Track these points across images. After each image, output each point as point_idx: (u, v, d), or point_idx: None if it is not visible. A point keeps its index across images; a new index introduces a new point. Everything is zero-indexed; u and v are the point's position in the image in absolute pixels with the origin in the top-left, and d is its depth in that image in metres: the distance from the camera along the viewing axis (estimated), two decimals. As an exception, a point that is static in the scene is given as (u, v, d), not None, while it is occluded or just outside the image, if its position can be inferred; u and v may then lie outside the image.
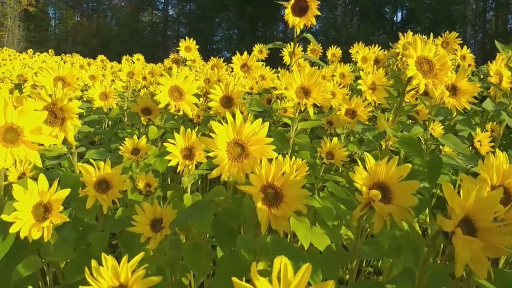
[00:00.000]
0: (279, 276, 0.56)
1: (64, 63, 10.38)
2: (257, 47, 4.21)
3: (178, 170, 1.35)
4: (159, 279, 0.68)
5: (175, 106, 1.64)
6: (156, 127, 1.75)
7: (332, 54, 4.08)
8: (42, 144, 1.05)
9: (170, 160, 1.35)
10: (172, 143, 1.37)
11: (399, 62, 2.77)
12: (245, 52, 2.94)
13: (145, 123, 1.77)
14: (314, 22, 2.15)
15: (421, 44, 1.41)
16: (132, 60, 6.54)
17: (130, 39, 41.21)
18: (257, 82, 2.84)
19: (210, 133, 1.01)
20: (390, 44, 3.33)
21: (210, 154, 1.01)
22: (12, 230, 0.96)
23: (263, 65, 3.06)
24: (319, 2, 2.00)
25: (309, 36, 2.36)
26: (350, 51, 3.75)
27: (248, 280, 0.53)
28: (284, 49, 3.40)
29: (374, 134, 1.68)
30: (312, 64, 3.66)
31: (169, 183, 1.98)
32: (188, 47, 3.94)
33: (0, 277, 1.16)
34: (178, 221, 1.12)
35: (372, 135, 1.67)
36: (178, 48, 3.91)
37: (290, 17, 2.12)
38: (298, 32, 2.30)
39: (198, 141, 1.37)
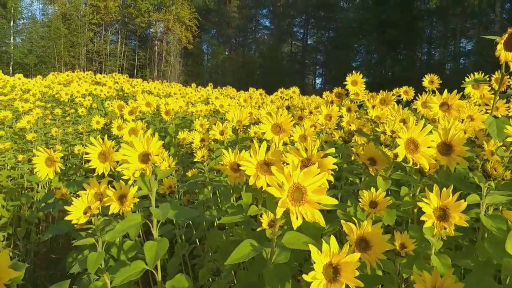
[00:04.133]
0: None
1: (221, 95, 11.45)
2: (427, 77, 3.93)
3: (434, 233, 1.29)
4: None
5: (412, 160, 1.59)
6: (383, 178, 1.73)
7: (521, 84, 3.57)
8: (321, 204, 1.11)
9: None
10: (426, 203, 1.31)
11: None
12: (445, 90, 2.75)
13: (373, 174, 1.76)
14: (532, 57, 1.92)
15: None
16: (284, 97, 6.79)
17: (271, 69, 43.82)
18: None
19: None
20: None
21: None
22: (313, 290, 1.02)
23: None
24: (539, 34, 1.78)
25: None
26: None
27: None
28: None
29: None
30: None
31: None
32: (354, 81, 3.92)
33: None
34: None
35: None
36: (344, 83, 3.92)
37: (502, 53, 1.95)
38: (511, 68, 2.09)
39: (455, 202, 1.29)
